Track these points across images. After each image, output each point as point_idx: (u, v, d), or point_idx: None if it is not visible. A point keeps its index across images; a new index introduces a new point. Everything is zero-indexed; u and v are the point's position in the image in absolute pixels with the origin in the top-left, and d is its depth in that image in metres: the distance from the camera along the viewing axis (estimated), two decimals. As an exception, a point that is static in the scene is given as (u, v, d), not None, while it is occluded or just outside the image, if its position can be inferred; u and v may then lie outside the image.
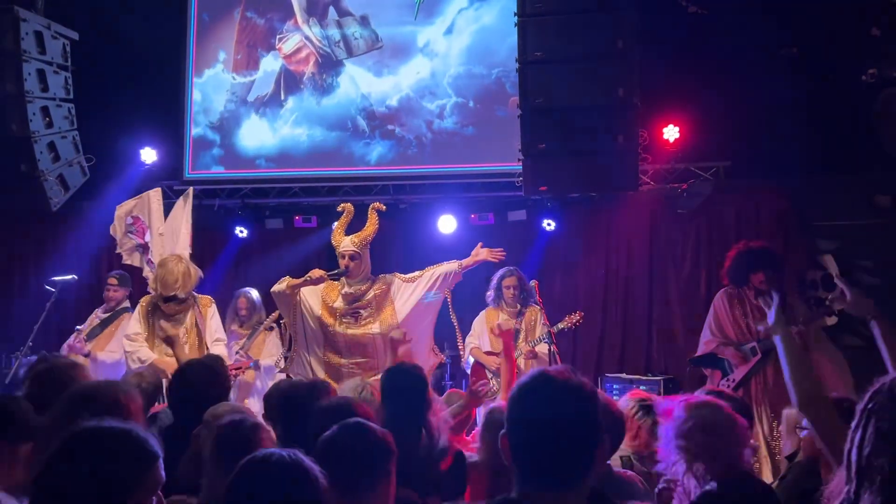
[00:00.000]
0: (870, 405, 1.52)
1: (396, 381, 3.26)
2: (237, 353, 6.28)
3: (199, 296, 5.73)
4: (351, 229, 5.54)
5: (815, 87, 6.67)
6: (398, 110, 8.06)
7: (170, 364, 5.06)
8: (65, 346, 6.28)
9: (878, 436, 1.46)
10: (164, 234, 6.48)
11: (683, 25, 6.96)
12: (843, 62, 6.35)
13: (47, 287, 6.51)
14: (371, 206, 5.54)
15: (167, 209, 6.72)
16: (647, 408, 3.48)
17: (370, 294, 5.41)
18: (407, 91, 8.05)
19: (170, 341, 5.13)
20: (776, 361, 5.21)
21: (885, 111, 5.88)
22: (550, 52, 5.58)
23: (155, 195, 6.70)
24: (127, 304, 6.50)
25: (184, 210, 6.62)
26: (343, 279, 5.45)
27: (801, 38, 6.77)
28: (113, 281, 6.56)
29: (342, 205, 5.64)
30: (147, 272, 6.37)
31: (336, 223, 5.54)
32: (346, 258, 5.34)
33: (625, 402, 3.61)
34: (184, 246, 6.34)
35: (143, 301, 5.66)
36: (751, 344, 5.33)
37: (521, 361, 6.29)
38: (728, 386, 5.31)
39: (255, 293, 6.76)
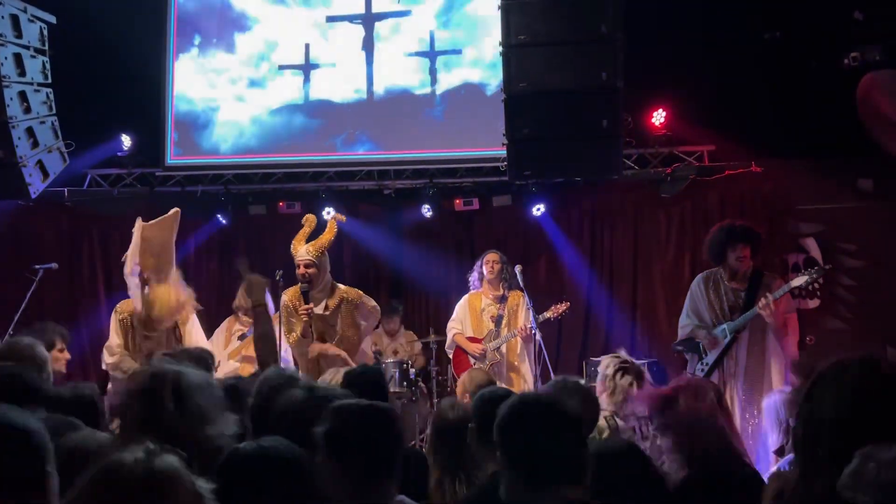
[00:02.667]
0: (812, 390, 1.52)
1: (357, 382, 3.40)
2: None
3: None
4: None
5: (799, 72, 6.69)
6: (382, 96, 8.00)
7: None
8: None
9: (818, 422, 1.47)
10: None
11: (668, 9, 6.94)
12: (826, 46, 6.36)
13: (28, 275, 6.43)
14: (331, 216, 5.60)
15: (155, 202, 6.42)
16: (625, 368, 3.86)
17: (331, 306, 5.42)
18: (392, 76, 8.00)
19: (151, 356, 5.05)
20: (748, 341, 5.30)
21: (866, 95, 5.91)
22: (534, 36, 5.55)
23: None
24: None
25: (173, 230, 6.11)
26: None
27: (784, 22, 6.77)
28: None
29: (305, 216, 5.67)
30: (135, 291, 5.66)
31: (297, 234, 5.55)
32: (302, 267, 5.35)
33: (605, 363, 3.95)
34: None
35: (121, 310, 5.54)
36: (722, 326, 5.37)
37: (503, 349, 6.31)
38: (702, 369, 5.37)
39: None
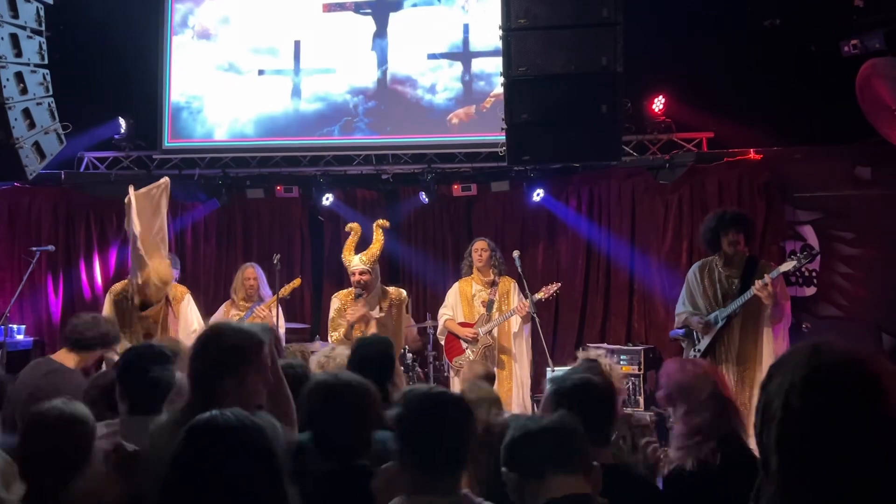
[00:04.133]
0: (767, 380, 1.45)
1: (364, 352, 3.54)
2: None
3: (174, 286, 5.65)
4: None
5: (798, 59, 6.67)
6: (381, 80, 7.98)
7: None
8: None
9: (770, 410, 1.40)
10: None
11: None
12: (825, 33, 6.34)
13: (25, 257, 6.42)
14: (376, 224, 5.74)
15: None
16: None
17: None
18: (391, 60, 7.97)
19: (149, 337, 5.12)
20: (741, 327, 5.31)
21: (866, 83, 5.90)
22: (534, 20, 5.53)
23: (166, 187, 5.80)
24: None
25: (163, 204, 6.07)
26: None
27: (784, 9, 6.75)
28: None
29: (349, 225, 5.79)
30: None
31: (345, 245, 5.70)
32: (357, 275, 5.52)
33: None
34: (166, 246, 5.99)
35: (115, 290, 5.58)
36: (715, 313, 5.39)
37: (495, 332, 6.33)
38: (694, 356, 5.39)
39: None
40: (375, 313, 5.53)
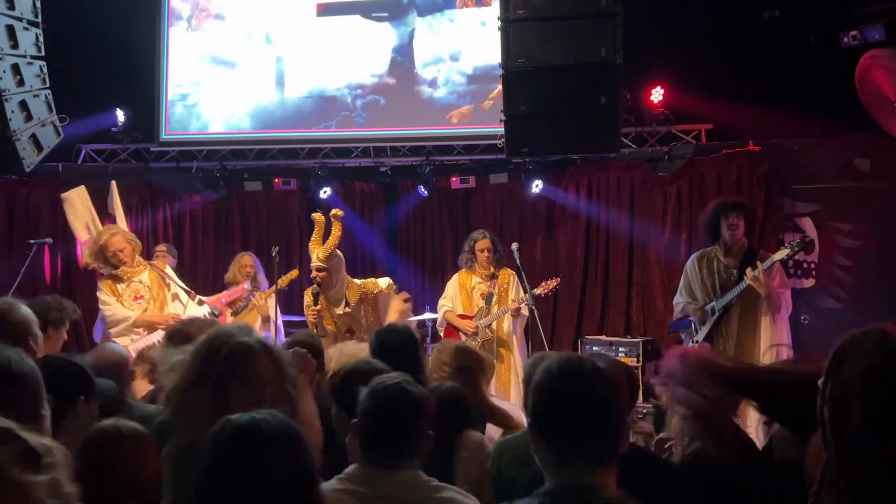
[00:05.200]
0: (831, 368, 1.57)
1: (386, 340, 3.23)
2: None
3: (156, 261, 5.95)
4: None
5: (797, 51, 6.65)
6: (380, 74, 7.95)
7: (157, 318, 5.47)
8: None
9: (844, 396, 1.53)
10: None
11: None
12: (825, 25, 6.33)
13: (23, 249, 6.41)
14: (331, 213, 5.30)
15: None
16: None
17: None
18: (391, 53, 7.94)
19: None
20: (739, 317, 5.32)
21: (865, 74, 5.89)
22: (533, 11, 5.51)
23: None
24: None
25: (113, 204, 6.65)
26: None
27: (784, 0, 6.73)
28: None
29: (312, 215, 5.41)
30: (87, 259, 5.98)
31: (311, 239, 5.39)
32: (314, 271, 5.18)
33: None
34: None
35: (102, 280, 5.70)
36: (712, 303, 5.40)
37: (493, 326, 6.33)
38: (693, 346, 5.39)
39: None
40: (340, 309, 5.27)
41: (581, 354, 1.85)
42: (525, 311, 6.18)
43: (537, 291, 6.20)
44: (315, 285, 5.21)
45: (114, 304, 5.54)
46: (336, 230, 5.18)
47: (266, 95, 8.09)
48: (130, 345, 5.25)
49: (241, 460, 1.65)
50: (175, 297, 5.74)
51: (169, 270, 5.90)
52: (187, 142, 8.15)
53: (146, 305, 5.59)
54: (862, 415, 1.46)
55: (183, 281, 6.01)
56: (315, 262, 5.14)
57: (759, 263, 5.22)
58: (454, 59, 7.84)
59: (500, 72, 5.81)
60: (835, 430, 1.52)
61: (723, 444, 2.25)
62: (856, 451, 1.48)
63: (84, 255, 5.98)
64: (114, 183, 6.06)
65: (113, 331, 5.54)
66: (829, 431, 1.53)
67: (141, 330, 5.52)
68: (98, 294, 5.69)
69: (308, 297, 5.33)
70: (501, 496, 2.45)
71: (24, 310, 2.96)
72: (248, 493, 1.62)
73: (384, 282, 5.52)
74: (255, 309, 6.40)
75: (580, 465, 1.65)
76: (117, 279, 5.61)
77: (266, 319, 6.33)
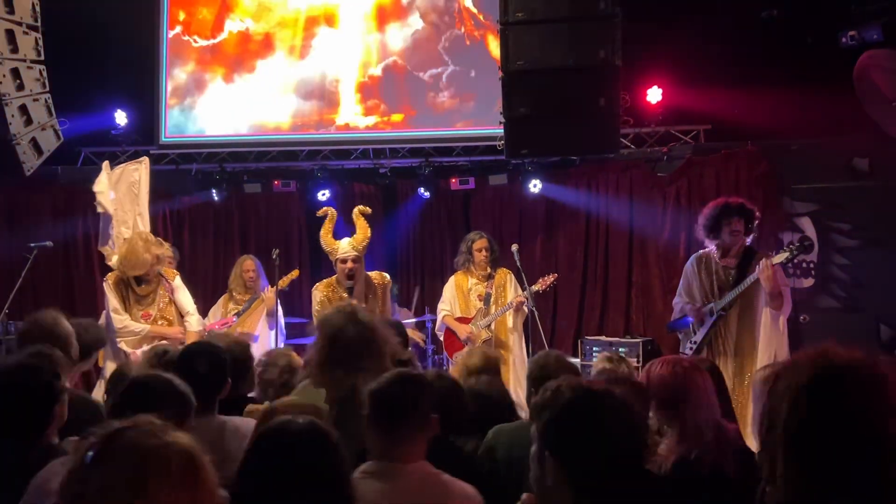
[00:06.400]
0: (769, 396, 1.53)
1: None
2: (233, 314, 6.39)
3: (165, 269, 5.75)
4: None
5: (796, 51, 6.66)
6: (380, 76, 7.96)
7: (168, 332, 5.48)
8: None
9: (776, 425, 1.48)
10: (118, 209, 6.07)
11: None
12: (823, 25, 6.34)
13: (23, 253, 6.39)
14: (357, 210, 5.55)
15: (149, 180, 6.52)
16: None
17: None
18: (391, 55, 7.95)
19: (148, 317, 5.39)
20: (738, 317, 5.32)
21: (863, 74, 5.90)
22: (532, 14, 5.51)
23: (146, 166, 6.23)
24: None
25: (143, 181, 6.20)
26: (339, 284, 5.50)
27: (782, 0, 6.74)
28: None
29: (324, 209, 5.64)
30: (108, 250, 5.93)
31: (322, 229, 5.53)
32: (350, 262, 5.36)
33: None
34: (146, 221, 6.08)
35: (110, 278, 5.63)
36: (710, 304, 5.40)
37: (493, 326, 6.34)
38: (691, 348, 5.40)
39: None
40: (361, 301, 5.33)
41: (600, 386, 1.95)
42: (525, 309, 6.20)
43: (535, 288, 6.22)
44: (349, 280, 5.35)
45: (126, 318, 5.48)
46: (364, 224, 5.44)
47: (266, 96, 8.10)
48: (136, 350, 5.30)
49: (280, 456, 1.81)
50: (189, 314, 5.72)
51: (178, 282, 5.79)
52: (187, 144, 8.15)
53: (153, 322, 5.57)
54: (783, 432, 1.43)
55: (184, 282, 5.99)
56: (351, 252, 5.37)
57: (770, 254, 5.23)
58: (454, 59, 7.85)
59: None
60: (763, 444, 1.50)
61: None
62: (777, 467, 1.44)
63: (110, 254, 5.76)
64: (106, 164, 5.95)
65: (121, 340, 5.49)
66: (762, 445, 1.51)
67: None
68: (106, 291, 5.65)
69: (322, 293, 5.46)
70: (496, 477, 2.77)
71: (66, 324, 3.13)
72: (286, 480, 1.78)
73: (387, 276, 5.72)
74: (261, 304, 6.42)
75: None
76: (126, 284, 5.55)
77: (271, 314, 6.34)
